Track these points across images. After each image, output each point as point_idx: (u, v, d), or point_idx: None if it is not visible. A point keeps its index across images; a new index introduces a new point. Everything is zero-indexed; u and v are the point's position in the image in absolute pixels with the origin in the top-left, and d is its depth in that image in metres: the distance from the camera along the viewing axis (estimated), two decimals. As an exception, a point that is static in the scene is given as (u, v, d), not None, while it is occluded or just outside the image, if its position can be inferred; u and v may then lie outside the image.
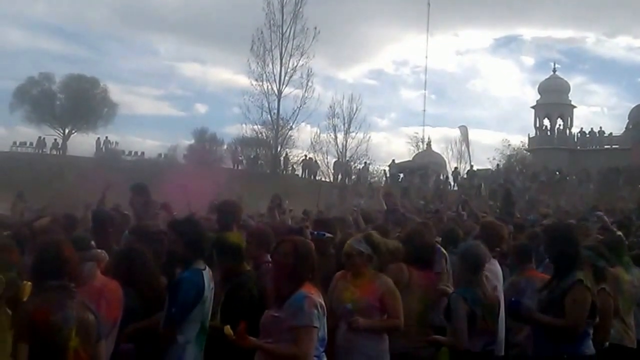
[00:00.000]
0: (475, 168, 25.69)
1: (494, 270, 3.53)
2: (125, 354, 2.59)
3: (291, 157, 27.74)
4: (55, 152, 29.11)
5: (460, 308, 2.87)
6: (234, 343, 2.16)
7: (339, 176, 25.74)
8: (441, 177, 24.36)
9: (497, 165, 28.55)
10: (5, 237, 2.30)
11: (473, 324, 2.87)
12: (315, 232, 3.71)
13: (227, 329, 2.17)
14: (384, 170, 26.54)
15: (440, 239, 4.11)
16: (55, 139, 30.82)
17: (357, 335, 2.66)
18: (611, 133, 28.12)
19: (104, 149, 28.21)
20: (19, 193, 9.82)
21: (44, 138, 29.78)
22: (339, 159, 27.49)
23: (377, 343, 2.74)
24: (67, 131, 32.42)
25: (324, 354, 2.31)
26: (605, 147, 27.45)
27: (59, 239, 2.33)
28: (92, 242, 2.88)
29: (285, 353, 2.17)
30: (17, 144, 28.90)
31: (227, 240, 3.01)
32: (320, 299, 2.27)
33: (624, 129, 28.14)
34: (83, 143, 30.75)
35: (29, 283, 1.89)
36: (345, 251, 2.87)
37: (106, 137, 29.39)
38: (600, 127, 28.55)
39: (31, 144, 28.94)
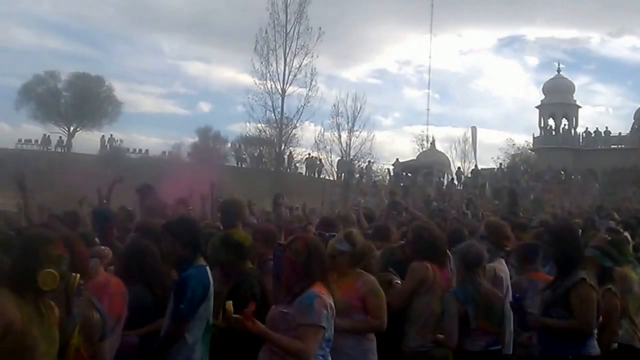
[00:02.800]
0: (479, 167, 25.61)
1: (505, 270, 3.50)
2: (128, 346, 2.59)
3: (295, 155, 27.78)
4: (60, 150, 29.30)
5: (451, 307, 2.85)
6: (235, 325, 2.13)
7: (343, 175, 25.72)
8: (443, 178, 24.26)
9: (500, 164, 28.46)
10: (52, 231, 2.30)
11: (467, 323, 2.85)
12: (319, 232, 3.68)
13: (229, 304, 2.14)
14: (388, 169, 26.52)
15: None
16: (60, 137, 31.10)
17: (338, 335, 2.59)
18: (620, 133, 27.91)
19: (108, 146, 28.36)
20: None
21: (49, 136, 30.07)
22: (342, 157, 27.48)
23: (360, 343, 2.70)
24: (72, 129, 32.61)
25: (329, 354, 2.30)
26: (611, 147, 27.25)
27: (70, 235, 2.34)
28: (96, 239, 2.88)
29: (290, 346, 2.16)
30: (23, 141, 29.14)
31: (233, 238, 3.02)
32: (330, 300, 2.25)
33: (630, 129, 27.93)
34: (88, 141, 30.98)
35: (78, 275, 1.88)
36: (327, 252, 2.81)
37: (111, 135, 29.62)
38: (607, 127, 28.42)
39: (36, 141, 29.18)
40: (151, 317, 2.74)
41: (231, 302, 2.16)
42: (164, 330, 2.63)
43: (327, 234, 3.53)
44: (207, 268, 2.69)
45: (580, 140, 28.56)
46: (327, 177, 25.56)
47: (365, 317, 2.71)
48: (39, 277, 1.72)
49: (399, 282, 3.17)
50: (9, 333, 1.67)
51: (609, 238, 4.21)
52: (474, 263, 2.95)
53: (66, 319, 1.91)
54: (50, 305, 1.83)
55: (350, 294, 2.70)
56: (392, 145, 47.74)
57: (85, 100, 31.91)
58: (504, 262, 3.58)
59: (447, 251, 3.58)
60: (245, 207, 4.04)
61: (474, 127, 28.09)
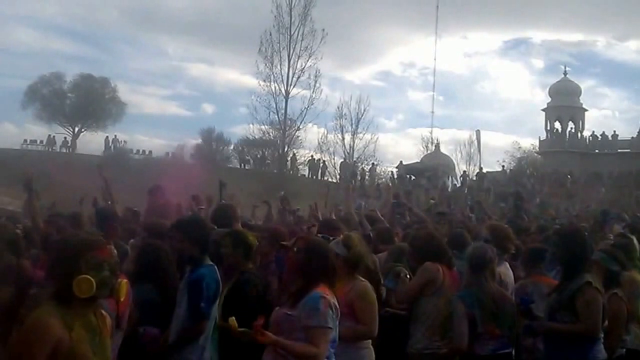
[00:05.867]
0: (484, 170, 25.51)
1: (510, 275, 3.49)
2: (150, 336, 2.58)
3: (298, 157, 27.80)
4: (64, 150, 29.49)
5: (459, 309, 2.85)
6: (244, 338, 2.12)
7: (345, 177, 25.71)
8: (446, 182, 24.18)
9: (502, 166, 28.31)
10: (95, 234, 2.25)
11: (474, 327, 2.83)
12: (322, 236, 3.64)
13: (232, 320, 2.12)
14: (391, 172, 26.48)
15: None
16: (65, 137, 31.36)
17: None
18: (633, 137, 27.65)
19: (112, 147, 28.51)
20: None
21: (54, 136, 30.28)
22: (346, 159, 27.45)
23: (348, 350, 2.61)
24: (76, 129, 32.82)
25: (333, 354, 2.29)
26: (618, 150, 27.07)
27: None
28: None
29: (304, 352, 2.14)
30: (28, 141, 29.38)
31: (246, 237, 3.06)
32: (334, 300, 2.24)
33: (637, 133, 27.73)
34: (92, 141, 31.19)
35: (125, 281, 1.76)
36: None
37: (115, 136, 29.81)
38: (615, 131, 28.23)
39: (41, 142, 29.40)
40: (159, 316, 2.73)
41: (234, 317, 2.14)
42: (177, 329, 2.61)
43: (331, 238, 3.50)
44: (216, 267, 2.70)
45: (587, 144, 28.38)
46: (330, 179, 25.55)
47: (353, 323, 2.64)
48: (74, 284, 1.63)
49: (408, 275, 3.14)
50: (58, 354, 1.60)
51: (612, 242, 4.16)
52: (480, 265, 2.93)
53: (115, 330, 1.86)
54: (102, 314, 1.75)
55: (339, 298, 2.63)
56: (396, 147, 47.71)
57: (90, 101, 32.10)
58: (508, 267, 3.56)
59: (448, 253, 3.55)
60: (235, 209, 4.02)
61: (478, 130, 28.08)
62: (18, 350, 1.64)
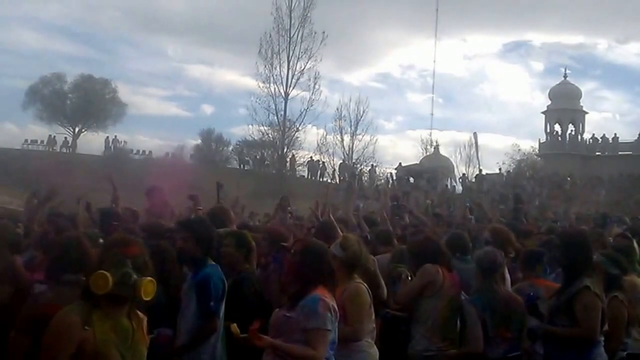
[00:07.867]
0: (484, 172, 25.51)
1: (507, 277, 3.48)
2: (163, 338, 2.58)
3: (297, 158, 27.82)
4: (65, 150, 29.51)
5: (472, 313, 2.87)
6: (242, 341, 2.12)
7: (345, 177, 25.71)
8: (447, 185, 24.18)
9: (500, 169, 28.32)
10: (121, 231, 2.19)
11: (485, 330, 2.85)
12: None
13: (234, 327, 2.13)
14: (390, 173, 26.48)
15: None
16: (66, 137, 31.38)
17: None
18: (635, 139, 27.66)
19: (112, 147, 28.54)
20: (35, 190, 9.83)
21: (54, 136, 30.29)
22: (345, 160, 27.48)
23: (347, 350, 2.59)
24: (77, 130, 32.84)
25: (333, 356, 2.29)
26: (618, 153, 27.08)
27: (79, 235, 2.33)
28: (101, 240, 2.87)
29: (302, 354, 2.14)
30: (29, 141, 29.40)
31: (248, 238, 3.09)
32: (333, 303, 2.24)
33: (638, 135, 27.75)
34: (92, 141, 31.24)
35: (148, 279, 1.65)
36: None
37: (115, 136, 29.84)
38: (615, 134, 28.24)
39: (42, 142, 29.41)
40: (165, 317, 2.72)
41: (235, 324, 2.14)
42: (188, 329, 2.61)
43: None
44: (219, 267, 2.72)
45: (587, 146, 28.40)
46: (329, 181, 25.55)
47: (343, 324, 2.58)
48: (90, 280, 1.58)
49: (409, 276, 3.16)
50: (83, 354, 1.56)
51: (612, 245, 4.15)
52: (490, 270, 2.95)
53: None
54: (137, 316, 1.69)
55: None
56: (395, 149, 47.84)
57: (90, 101, 32.13)
58: (506, 269, 3.56)
59: (447, 255, 3.53)
60: (229, 212, 4.02)
61: (475, 132, 28.04)
62: (43, 348, 1.62)
